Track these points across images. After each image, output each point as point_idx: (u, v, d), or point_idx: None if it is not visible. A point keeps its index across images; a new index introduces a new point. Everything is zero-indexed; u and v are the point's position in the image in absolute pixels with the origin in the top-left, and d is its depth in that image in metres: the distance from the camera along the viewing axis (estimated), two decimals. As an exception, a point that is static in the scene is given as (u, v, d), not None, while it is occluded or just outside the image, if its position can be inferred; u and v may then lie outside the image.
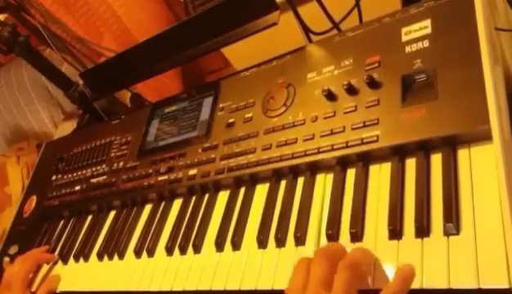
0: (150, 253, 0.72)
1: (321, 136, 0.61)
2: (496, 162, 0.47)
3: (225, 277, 0.61)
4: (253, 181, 0.68)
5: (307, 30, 0.74)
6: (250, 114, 0.72)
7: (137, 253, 0.73)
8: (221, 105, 0.78)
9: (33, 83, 1.51)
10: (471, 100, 0.51)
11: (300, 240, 0.57)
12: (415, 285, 0.45)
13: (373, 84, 0.60)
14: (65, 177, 0.97)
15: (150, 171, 0.80)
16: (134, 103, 1.12)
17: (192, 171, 0.74)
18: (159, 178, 0.78)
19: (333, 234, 0.55)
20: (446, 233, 0.47)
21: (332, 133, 0.60)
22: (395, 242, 0.50)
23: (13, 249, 0.94)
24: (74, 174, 0.95)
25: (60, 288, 0.81)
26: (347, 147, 0.58)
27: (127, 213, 0.82)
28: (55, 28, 1.12)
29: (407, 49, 0.60)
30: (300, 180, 0.63)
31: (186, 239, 0.69)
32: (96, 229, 0.84)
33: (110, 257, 0.77)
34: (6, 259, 0.92)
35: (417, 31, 0.60)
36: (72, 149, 1.00)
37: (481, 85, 0.50)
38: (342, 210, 0.57)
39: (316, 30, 0.75)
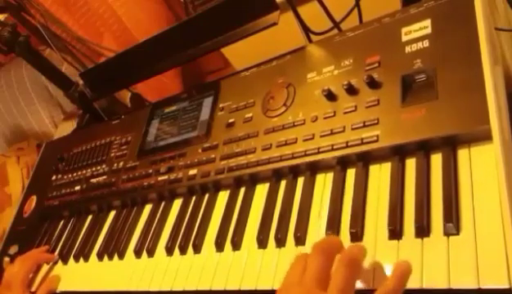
0: (150, 253, 0.72)
1: (321, 136, 0.61)
2: (496, 162, 0.47)
3: (225, 277, 0.61)
4: (253, 181, 0.68)
5: (307, 30, 0.74)
6: (250, 114, 0.72)
7: (137, 253, 0.73)
8: (221, 105, 0.78)
9: (33, 83, 1.51)
10: (471, 100, 0.51)
11: (300, 240, 0.57)
12: (416, 285, 0.45)
13: (373, 84, 0.60)
14: (65, 177, 0.97)
15: (150, 171, 0.80)
16: (134, 103, 1.12)
17: (192, 171, 0.74)
18: (159, 178, 0.78)
19: (333, 234, 0.55)
20: (446, 233, 0.47)
21: (332, 133, 0.60)
22: (395, 242, 0.50)
23: (13, 249, 0.94)
24: (74, 174, 0.95)
25: (60, 288, 0.81)
26: (347, 147, 0.58)
27: (127, 213, 0.82)
28: (55, 28, 1.12)
29: (407, 49, 0.60)
30: (300, 180, 0.63)
31: (186, 239, 0.69)
32: (96, 229, 0.84)
33: (110, 257, 0.77)
34: (6, 259, 0.92)
35: (417, 31, 0.60)
36: (72, 149, 1.00)
37: (481, 85, 0.50)
38: (342, 210, 0.57)
39: (316, 30, 0.75)
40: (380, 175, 0.57)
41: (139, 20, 1.27)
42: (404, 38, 0.61)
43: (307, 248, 0.56)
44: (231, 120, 0.74)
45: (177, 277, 0.66)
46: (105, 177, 0.88)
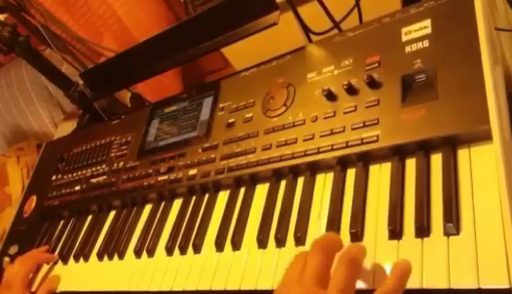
0: (150, 253, 0.72)
1: (321, 136, 0.61)
2: (496, 162, 0.47)
3: (225, 277, 0.61)
4: (253, 181, 0.68)
5: (307, 30, 0.74)
6: (250, 114, 0.72)
7: (137, 253, 0.73)
8: (221, 105, 0.78)
9: (33, 83, 1.51)
10: (471, 100, 0.51)
11: (300, 240, 0.57)
12: (416, 285, 0.45)
13: (373, 84, 0.60)
14: (65, 177, 0.97)
15: (150, 171, 0.80)
16: (134, 103, 1.12)
17: (192, 171, 0.74)
18: (159, 178, 0.78)
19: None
20: (446, 233, 0.47)
21: (332, 133, 0.60)
22: (395, 242, 0.50)
23: (13, 249, 0.94)
24: (74, 174, 0.95)
25: (60, 288, 0.81)
26: (347, 147, 0.58)
27: (127, 213, 0.82)
28: (55, 28, 1.12)
29: (407, 49, 0.60)
30: (300, 180, 0.63)
31: (186, 239, 0.69)
32: (96, 229, 0.84)
33: (110, 257, 0.77)
34: (6, 259, 0.92)
35: (417, 31, 0.60)
36: (72, 149, 1.00)
37: (481, 85, 0.50)
38: (342, 210, 0.57)
39: (316, 30, 0.75)
40: (380, 175, 0.57)
41: (139, 20, 1.27)
42: (404, 38, 0.61)
43: (307, 248, 0.56)
44: (231, 120, 0.74)
45: (177, 277, 0.66)
46: (105, 177, 0.88)
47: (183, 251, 0.68)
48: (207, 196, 0.73)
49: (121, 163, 0.87)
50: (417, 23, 0.60)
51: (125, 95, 1.12)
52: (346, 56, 0.65)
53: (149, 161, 0.82)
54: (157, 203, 0.78)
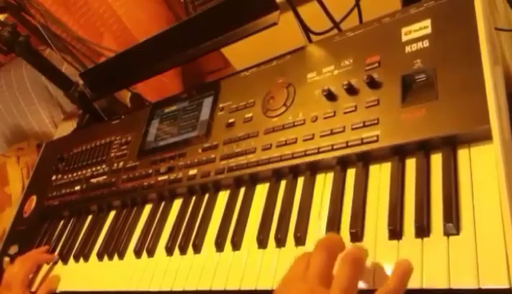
0: (150, 253, 0.72)
1: (321, 136, 0.61)
2: (496, 162, 0.47)
3: (225, 277, 0.61)
4: (253, 181, 0.68)
5: (307, 30, 0.74)
6: (250, 114, 0.72)
7: (137, 253, 0.73)
8: (221, 105, 0.78)
9: (33, 83, 1.51)
10: (471, 100, 0.51)
11: (300, 240, 0.57)
12: (416, 285, 0.45)
13: (373, 84, 0.60)
14: (65, 177, 0.97)
15: (150, 171, 0.80)
16: (134, 103, 1.12)
17: (192, 171, 0.74)
18: (159, 178, 0.78)
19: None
20: (446, 233, 0.47)
21: (332, 133, 0.60)
22: (395, 242, 0.50)
23: (13, 249, 0.94)
24: (74, 174, 0.95)
25: (60, 288, 0.81)
26: (347, 147, 0.58)
27: (127, 213, 0.82)
28: (55, 28, 1.12)
29: (407, 49, 0.60)
30: (300, 180, 0.63)
31: (186, 239, 0.69)
32: (96, 229, 0.84)
33: (110, 257, 0.77)
34: (6, 259, 0.92)
35: (417, 31, 0.60)
36: (72, 149, 1.00)
37: (481, 85, 0.50)
38: (342, 210, 0.57)
39: (316, 30, 0.75)
40: (380, 175, 0.57)
41: (139, 20, 1.27)
42: (404, 38, 0.61)
43: (307, 248, 0.56)
44: (231, 120, 0.74)
45: (177, 277, 0.66)
46: (105, 177, 0.88)
47: (183, 251, 0.68)
48: (207, 196, 0.73)
49: (121, 163, 0.87)
50: (417, 23, 0.60)
51: (125, 95, 1.12)
52: (346, 56, 0.65)
53: (149, 161, 0.82)
54: (157, 203, 0.78)
